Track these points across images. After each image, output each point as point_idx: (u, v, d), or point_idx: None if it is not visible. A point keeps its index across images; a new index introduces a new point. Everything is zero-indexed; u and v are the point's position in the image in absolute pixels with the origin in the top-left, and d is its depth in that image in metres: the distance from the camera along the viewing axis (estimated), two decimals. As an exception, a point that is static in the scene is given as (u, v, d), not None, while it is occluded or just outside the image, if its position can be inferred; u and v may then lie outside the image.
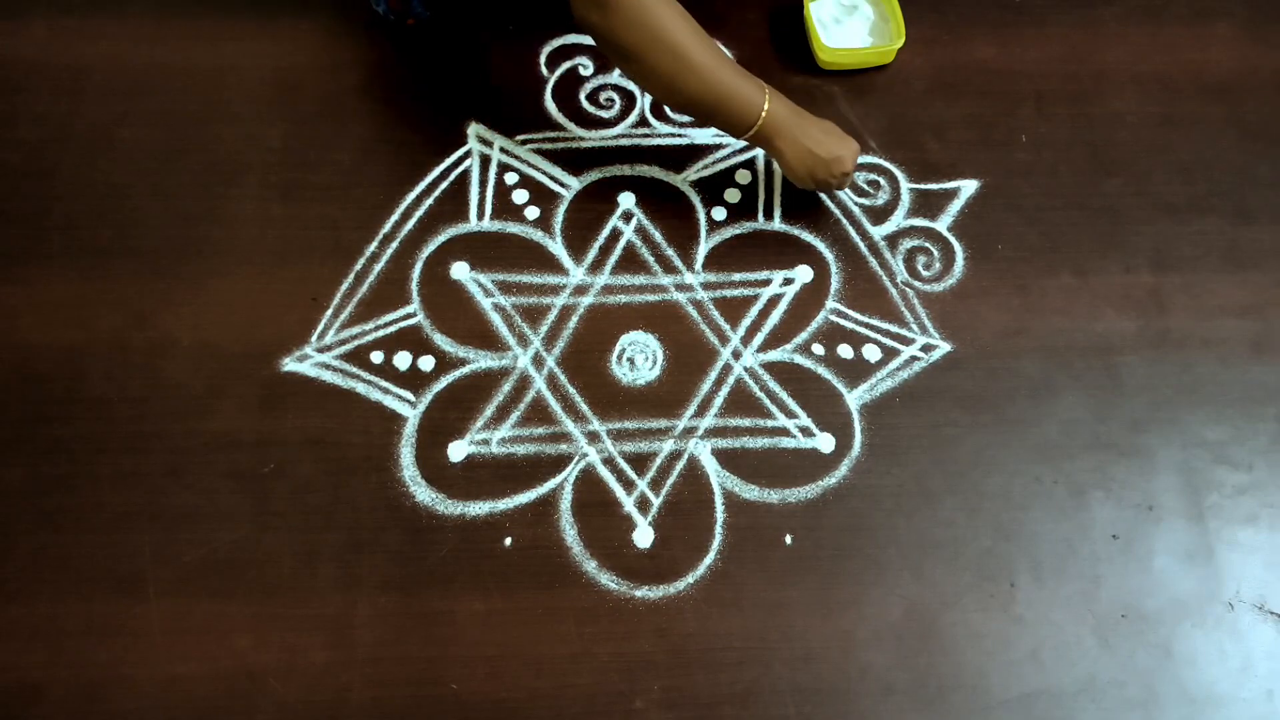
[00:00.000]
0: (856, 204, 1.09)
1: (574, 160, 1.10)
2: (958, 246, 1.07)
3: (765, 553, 0.92)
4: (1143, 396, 1.00)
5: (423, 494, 0.93)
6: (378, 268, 1.03)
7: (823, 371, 1.00)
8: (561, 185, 1.09)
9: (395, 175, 1.08)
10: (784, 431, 0.97)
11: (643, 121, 1.13)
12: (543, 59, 1.17)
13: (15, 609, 0.88)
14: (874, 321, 1.02)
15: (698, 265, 1.05)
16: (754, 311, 1.03)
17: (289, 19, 1.17)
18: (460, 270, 1.04)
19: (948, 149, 1.12)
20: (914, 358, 1.01)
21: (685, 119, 1.13)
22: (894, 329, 1.02)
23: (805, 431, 0.97)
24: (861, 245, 1.07)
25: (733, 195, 1.09)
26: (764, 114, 0.94)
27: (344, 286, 1.02)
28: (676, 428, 0.97)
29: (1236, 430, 0.98)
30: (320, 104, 1.12)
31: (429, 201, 1.07)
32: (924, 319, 1.03)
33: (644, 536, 0.92)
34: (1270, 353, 1.02)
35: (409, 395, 0.97)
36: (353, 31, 1.17)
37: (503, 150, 1.10)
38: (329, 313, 1.01)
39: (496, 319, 1.01)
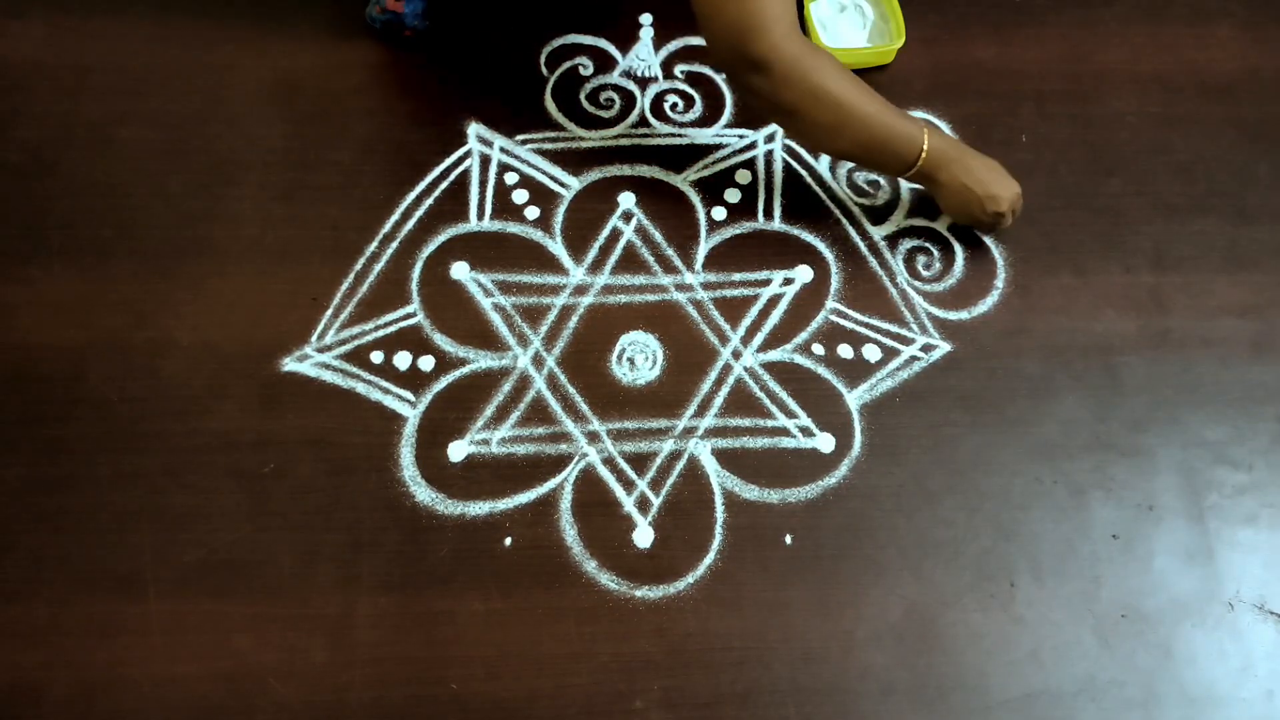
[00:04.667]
0: (856, 204, 1.09)
1: (574, 160, 1.10)
2: (958, 246, 1.07)
3: (765, 553, 0.92)
4: (1143, 396, 1.00)
5: (423, 494, 0.93)
6: (378, 268, 1.03)
7: (823, 371, 1.00)
8: (561, 185, 1.09)
9: (395, 175, 1.08)
10: (784, 431, 0.97)
11: (643, 121, 1.13)
12: (543, 59, 1.17)
13: (15, 609, 0.88)
14: (874, 321, 1.02)
15: (698, 265, 1.05)
16: (754, 311, 1.03)
17: (289, 19, 1.17)
18: (460, 270, 1.04)
19: (948, 149, 1.12)
20: (914, 358, 1.01)
21: (687, 119, 1.13)
22: (894, 329, 1.02)
23: (805, 431, 0.97)
24: (861, 245, 1.07)
25: (733, 195, 1.09)
26: (924, 153, 0.94)
27: (344, 286, 1.02)
28: (676, 428, 0.97)
29: (1236, 430, 0.98)
30: (320, 104, 1.12)
31: (429, 201, 1.07)
32: (924, 319, 1.03)
33: (644, 536, 0.92)
34: (1270, 353, 1.02)
35: (409, 395, 0.97)
36: (352, 32, 1.17)
37: (503, 150, 1.10)
38: (329, 313, 1.01)
39: (496, 319, 1.01)
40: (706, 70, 1.17)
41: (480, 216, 1.07)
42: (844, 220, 1.08)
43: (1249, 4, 1.23)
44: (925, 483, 0.95)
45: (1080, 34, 1.21)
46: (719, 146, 1.11)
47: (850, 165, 1.11)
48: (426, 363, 0.99)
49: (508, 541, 0.91)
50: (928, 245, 1.07)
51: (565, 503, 0.93)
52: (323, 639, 0.87)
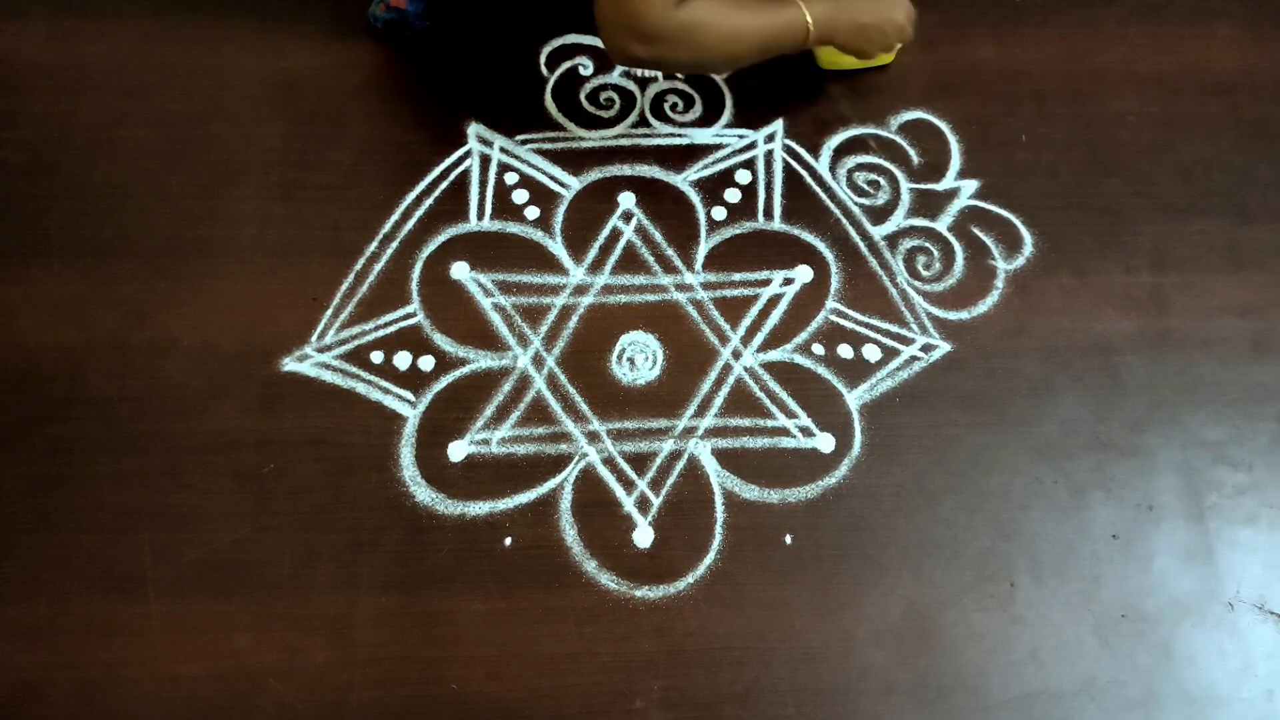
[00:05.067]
0: (856, 204, 1.09)
1: (574, 160, 1.10)
2: (958, 246, 1.07)
3: (765, 553, 0.92)
4: (1143, 396, 1.00)
5: (423, 494, 0.93)
6: (378, 268, 1.03)
7: (823, 371, 1.00)
8: (561, 185, 1.09)
9: (395, 175, 1.08)
10: (784, 431, 0.97)
11: (643, 121, 1.13)
12: (543, 59, 1.17)
13: (15, 609, 0.88)
14: (874, 321, 1.03)
15: (698, 265, 1.05)
16: (754, 311, 1.03)
17: (289, 19, 1.17)
18: (460, 270, 1.04)
19: (947, 149, 1.12)
20: (914, 358, 1.01)
21: (687, 119, 1.13)
22: (894, 329, 1.02)
23: (805, 431, 0.97)
24: (861, 245, 1.07)
25: (733, 195, 1.09)
26: (810, 28, 0.96)
27: (344, 286, 1.02)
28: (676, 428, 0.97)
29: (1236, 430, 0.98)
30: (320, 104, 1.12)
31: (429, 201, 1.07)
32: (924, 319, 1.03)
33: (644, 536, 0.92)
34: (1270, 353, 1.02)
35: (409, 395, 0.97)
36: (353, 32, 1.17)
37: (503, 150, 1.10)
38: (329, 313, 1.01)
39: (496, 319, 1.01)
40: (706, 70, 1.17)
41: (480, 216, 1.07)
42: (844, 220, 1.08)
43: (1249, 4, 1.23)
44: (925, 483, 0.95)
45: (1080, 34, 1.21)
46: (719, 146, 1.11)
47: (850, 165, 1.11)
48: (426, 363, 0.99)
49: (508, 541, 0.91)
50: (928, 245, 1.07)
51: (565, 503, 0.93)
52: (323, 639, 0.87)
